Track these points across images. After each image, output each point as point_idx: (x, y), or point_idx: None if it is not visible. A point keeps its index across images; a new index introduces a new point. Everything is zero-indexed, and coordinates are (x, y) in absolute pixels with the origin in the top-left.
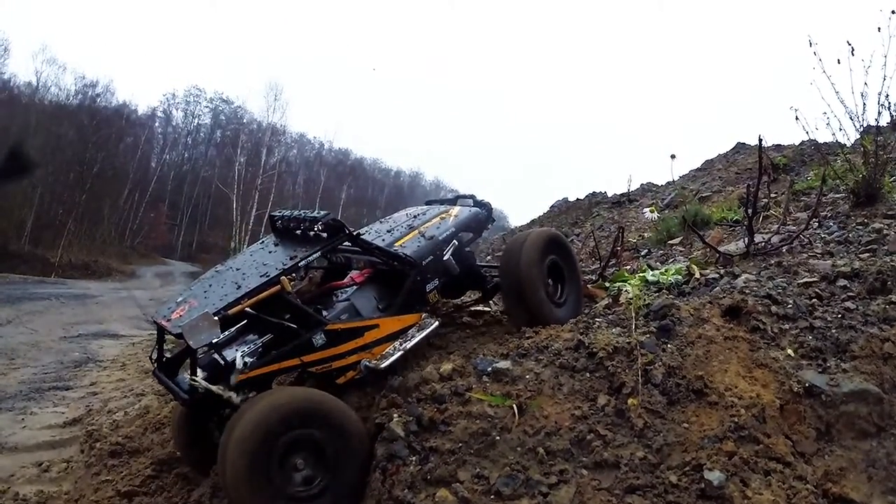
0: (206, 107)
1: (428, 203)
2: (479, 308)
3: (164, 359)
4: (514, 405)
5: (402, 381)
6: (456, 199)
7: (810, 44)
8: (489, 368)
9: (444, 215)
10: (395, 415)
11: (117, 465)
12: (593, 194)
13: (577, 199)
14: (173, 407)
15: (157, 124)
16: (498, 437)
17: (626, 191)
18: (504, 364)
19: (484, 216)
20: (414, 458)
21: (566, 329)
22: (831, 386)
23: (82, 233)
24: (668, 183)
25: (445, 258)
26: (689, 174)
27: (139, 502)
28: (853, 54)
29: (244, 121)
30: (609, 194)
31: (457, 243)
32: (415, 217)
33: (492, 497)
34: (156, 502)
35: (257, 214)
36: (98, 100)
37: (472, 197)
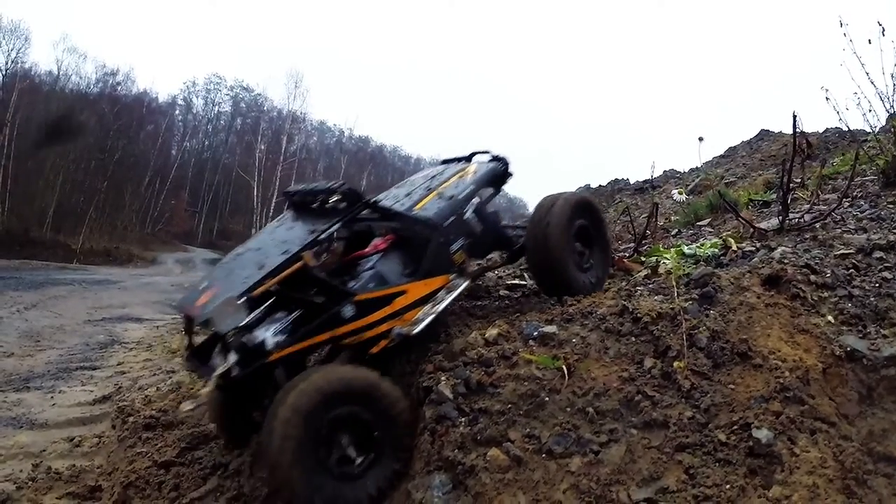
0: (227, 94)
1: (444, 162)
2: (515, 282)
3: (194, 346)
4: (564, 367)
5: (447, 346)
6: (471, 156)
7: (841, 24)
8: (535, 333)
9: (461, 174)
10: (443, 377)
11: (152, 437)
12: (616, 181)
13: (600, 185)
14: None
15: (177, 112)
16: (547, 398)
17: (649, 177)
18: (550, 328)
19: (502, 170)
20: (463, 420)
21: (609, 296)
22: (872, 350)
23: (103, 220)
24: (692, 169)
25: (467, 217)
26: (713, 160)
27: (177, 472)
28: (884, 34)
29: (264, 108)
30: (631, 181)
31: (478, 199)
32: (432, 178)
33: (543, 455)
34: (194, 472)
35: (278, 201)
36: (119, 88)
37: (487, 152)
